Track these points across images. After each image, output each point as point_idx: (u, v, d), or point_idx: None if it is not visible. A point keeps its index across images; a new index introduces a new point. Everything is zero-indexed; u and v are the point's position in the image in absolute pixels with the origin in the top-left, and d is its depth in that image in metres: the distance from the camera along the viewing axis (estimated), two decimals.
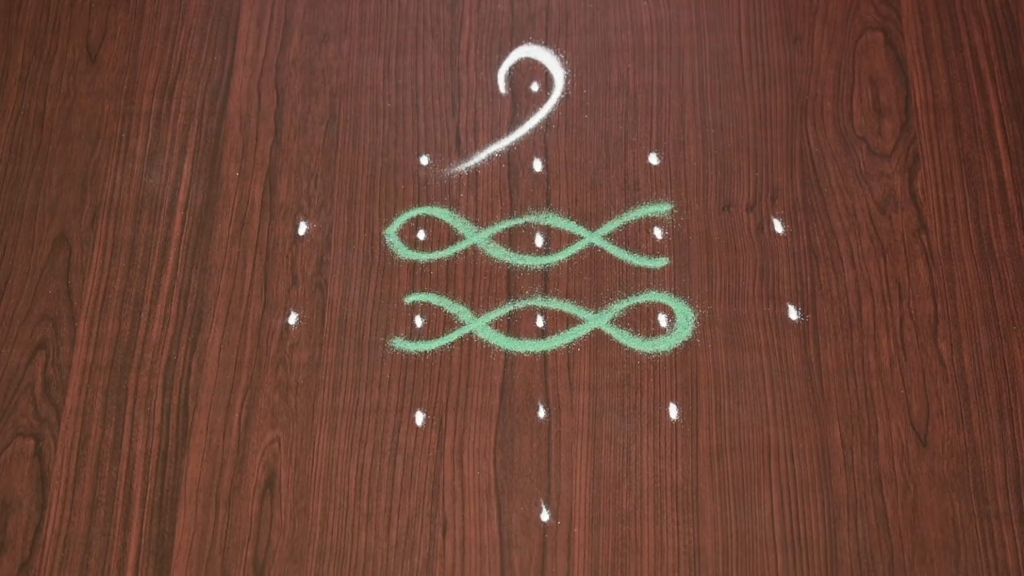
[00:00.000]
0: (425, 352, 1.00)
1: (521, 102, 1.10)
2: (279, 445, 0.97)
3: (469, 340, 1.00)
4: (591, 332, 1.00)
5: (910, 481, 0.95)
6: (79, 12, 1.15)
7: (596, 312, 1.01)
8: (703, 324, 1.00)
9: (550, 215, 1.05)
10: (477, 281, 1.03)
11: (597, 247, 1.04)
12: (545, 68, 1.12)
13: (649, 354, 1.00)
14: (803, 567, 0.92)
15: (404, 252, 1.04)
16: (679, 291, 1.02)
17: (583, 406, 0.98)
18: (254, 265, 1.03)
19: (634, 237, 1.04)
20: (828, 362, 0.99)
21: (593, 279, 1.03)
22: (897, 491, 0.94)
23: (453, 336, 1.00)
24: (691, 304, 1.01)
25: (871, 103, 1.09)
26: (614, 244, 1.04)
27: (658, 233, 1.04)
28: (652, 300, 1.02)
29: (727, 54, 1.12)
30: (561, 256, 1.04)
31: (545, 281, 1.03)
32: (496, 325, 1.01)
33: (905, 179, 1.06)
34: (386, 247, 1.04)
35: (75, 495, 0.95)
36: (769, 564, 0.92)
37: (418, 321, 1.01)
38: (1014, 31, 1.12)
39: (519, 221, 1.05)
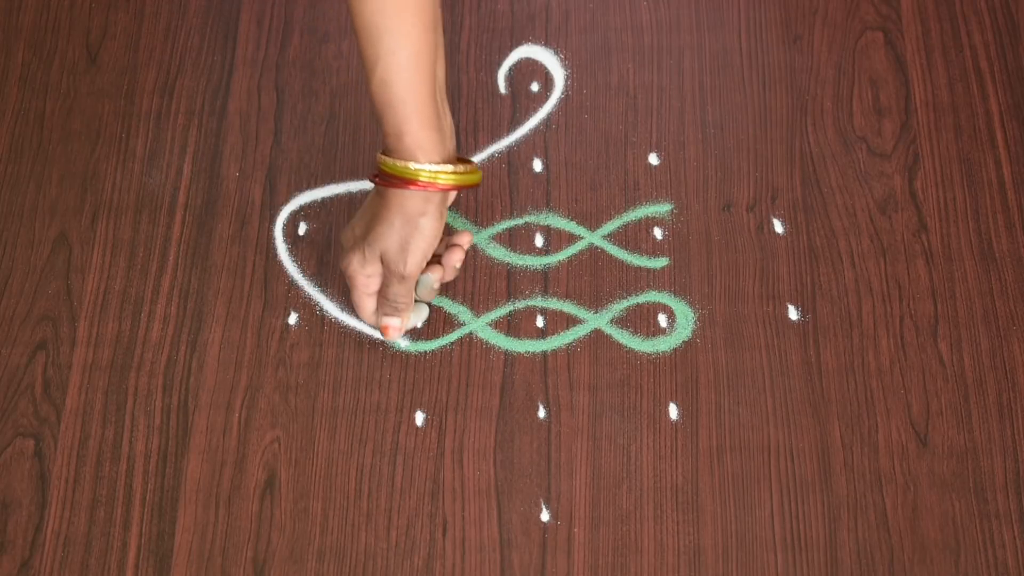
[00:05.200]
0: (425, 352, 1.00)
1: (521, 102, 1.10)
2: (279, 445, 0.97)
3: (469, 340, 1.00)
4: (591, 332, 1.00)
5: (910, 481, 0.95)
6: (79, 12, 1.15)
7: (596, 312, 1.01)
8: (703, 324, 1.00)
9: (550, 215, 1.05)
10: (477, 281, 1.03)
11: (597, 247, 1.04)
12: (545, 68, 1.12)
13: (649, 354, 1.00)
14: (803, 567, 0.92)
15: None
16: (679, 291, 1.02)
17: (583, 406, 0.98)
18: (254, 265, 1.03)
19: (634, 237, 1.04)
20: (828, 362, 0.99)
21: (593, 279, 1.03)
22: (897, 491, 0.94)
23: (453, 336, 1.00)
24: (691, 304, 1.01)
25: (871, 103, 1.09)
26: (614, 244, 1.04)
27: (658, 233, 1.04)
28: (652, 300, 1.02)
29: (727, 54, 1.12)
30: (561, 256, 1.04)
31: (545, 281, 1.03)
32: (496, 325, 1.01)
33: (905, 179, 1.06)
34: None
35: (75, 495, 0.95)
36: (769, 564, 0.92)
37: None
38: (1014, 31, 1.12)
39: (519, 221, 1.05)
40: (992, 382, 0.98)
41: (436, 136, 0.88)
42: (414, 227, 0.90)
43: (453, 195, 0.93)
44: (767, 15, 1.14)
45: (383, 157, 0.89)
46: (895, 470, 0.95)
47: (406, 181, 0.87)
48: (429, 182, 0.87)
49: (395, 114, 0.86)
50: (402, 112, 0.86)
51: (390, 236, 0.90)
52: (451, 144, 0.91)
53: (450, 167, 0.88)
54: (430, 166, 0.87)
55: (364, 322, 0.99)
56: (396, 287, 0.93)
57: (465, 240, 0.97)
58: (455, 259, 0.96)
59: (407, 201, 0.89)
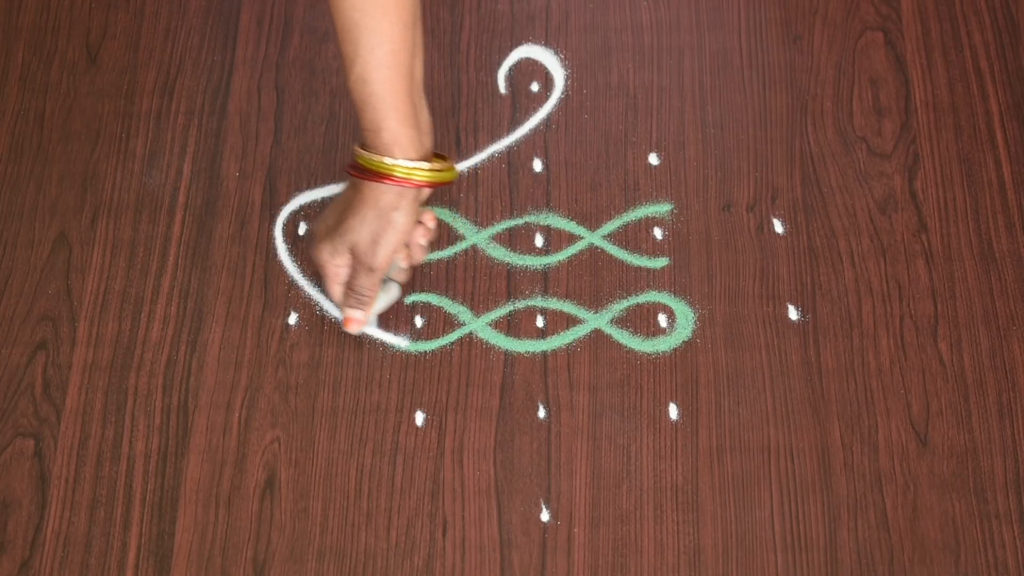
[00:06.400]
0: (425, 352, 1.00)
1: (521, 102, 1.10)
2: (279, 445, 0.97)
3: (469, 340, 1.00)
4: (591, 332, 1.00)
5: (910, 481, 0.95)
6: (79, 12, 1.15)
7: (596, 312, 1.01)
8: (703, 324, 1.00)
9: (550, 215, 1.05)
10: (477, 281, 1.03)
11: (597, 247, 1.04)
12: (545, 68, 1.12)
13: (649, 354, 1.00)
14: (803, 567, 0.92)
15: None
16: (679, 291, 1.02)
17: (583, 406, 0.98)
18: (254, 265, 1.03)
19: (634, 237, 1.04)
20: (828, 362, 0.99)
21: (593, 279, 1.03)
22: (897, 491, 0.94)
23: (453, 336, 1.00)
24: (691, 304, 1.01)
25: (871, 103, 1.09)
26: (614, 244, 1.04)
27: (658, 233, 1.04)
28: (652, 300, 1.02)
29: (727, 54, 1.12)
30: (561, 256, 1.04)
31: (545, 281, 1.03)
32: (496, 325, 1.01)
33: (905, 179, 1.06)
34: None
35: (75, 495, 0.95)
36: (769, 564, 0.92)
37: (418, 321, 1.01)
38: (1014, 31, 1.12)
39: (519, 221, 1.05)
40: (992, 382, 0.98)
41: (413, 133, 0.89)
42: (387, 221, 0.91)
43: (428, 192, 0.94)
44: (767, 15, 1.14)
45: (359, 150, 0.90)
46: (895, 470, 0.95)
47: (382, 176, 0.89)
48: (404, 178, 0.89)
49: (373, 110, 0.87)
50: (380, 108, 0.87)
51: (361, 229, 0.91)
52: (428, 141, 0.92)
53: (426, 164, 0.90)
54: (406, 162, 0.88)
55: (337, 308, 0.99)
56: (363, 279, 0.94)
57: (427, 218, 0.97)
58: (418, 235, 0.96)
59: (381, 195, 0.90)
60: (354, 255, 0.93)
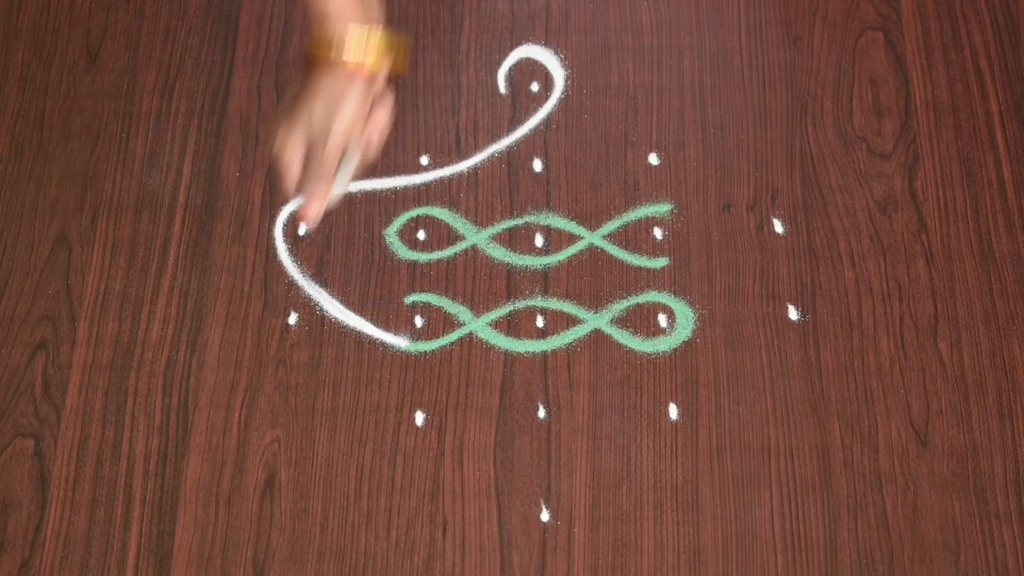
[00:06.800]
0: (425, 352, 1.00)
1: (521, 102, 1.10)
2: (279, 445, 0.97)
3: (469, 340, 1.00)
4: (591, 332, 1.00)
5: (910, 481, 0.95)
6: (79, 12, 1.15)
7: (596, 312, 1.01)
8: (703, 324, 1.00)
9: (550, 215, 1.05)
10: (477, 281, 1.03)
11: (597, 247, 1.04)
12: (545, 68, 1.12)
13: (649, 354, 1.00)
14: (803, 567, 0.92)
15: (404, 252, 1.04)
16: (679, 291, 1.02)
17: (583, 406, 0.98)
18: (254, 265, 1.03)
19: (634, 237, 1.04)
20: (828, 362, 0.99)
21: (593, 279, 1.03)
22: (897, 491, 0.94)
23: (453, 336, 1.00)
24: (691, 304, 1.01)
25: (871, 103, 1.09)
26: (614, 244, 1.04)
27: (658, 233, 1.04)
28: (652, 300, 1.02)
29: (727, 54, 1.12)
30: (561, 256, 1.04)
31: (545, 281, 1.03)
32: (496, 325, 1.01)
33: (905, 179, 1.06)
34: (386, 247, 1.04)
35: (75, 495, 0.95)
36: (769, 564, 0.92)
37: (418, 321, 1.01)
38: (1014, 31, 1.12)
39: (519, 221, 1.05)
40: (992, 382, 0.98)
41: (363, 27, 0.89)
42: (337, 109, 0.90)
43: (380, 82, 0.93)
44: (767, 15, 1.14)
45: (312, 40, 0.90)
46: (895, 470, 0.95)
47: (332, 65, 0.89)
48: (354, 68, 0.89)
49: (323, 2, 0.87)
50: (331, 1, 0.87)
51: (312, 118, 0.91)
52: (379, 34, 0.91)
53: (373, 56, 0.89)
54: (355, 54, 0.88)
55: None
56: (315, 169, 0.93)
57: (382, 105, 0.95)
58: (372, 125, 0.94)
59: (332, 84, 0.90)
60: (307, 144, 0.93)
